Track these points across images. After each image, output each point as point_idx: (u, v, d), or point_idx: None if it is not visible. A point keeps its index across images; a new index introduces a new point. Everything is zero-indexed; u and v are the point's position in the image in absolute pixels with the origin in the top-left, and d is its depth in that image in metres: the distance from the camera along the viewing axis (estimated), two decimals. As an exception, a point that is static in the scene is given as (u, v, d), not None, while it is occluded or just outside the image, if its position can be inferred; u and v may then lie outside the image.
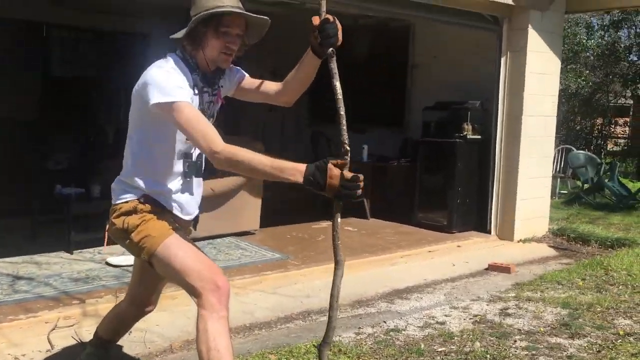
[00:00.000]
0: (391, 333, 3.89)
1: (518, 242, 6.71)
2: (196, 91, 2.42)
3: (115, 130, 8.06)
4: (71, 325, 3.74)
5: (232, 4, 2.38)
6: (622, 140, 16.49)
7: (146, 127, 2.45)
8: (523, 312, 4.36)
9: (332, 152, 2.09)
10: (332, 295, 2.18)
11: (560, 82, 7.81)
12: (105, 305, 3.86)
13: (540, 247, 6.63)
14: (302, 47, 2.48)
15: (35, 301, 4.07)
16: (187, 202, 2.60)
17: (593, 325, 4.06)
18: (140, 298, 2.88)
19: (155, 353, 3.53)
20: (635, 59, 14.82)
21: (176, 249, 2.42)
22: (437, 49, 7.64)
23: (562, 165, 10.59)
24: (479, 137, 6.79)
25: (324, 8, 2.27)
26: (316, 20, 2.32)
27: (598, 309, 4.39)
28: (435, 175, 6.94)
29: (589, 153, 11.02)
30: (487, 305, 4.54)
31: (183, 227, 2.63)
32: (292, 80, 2.63)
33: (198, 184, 2.66)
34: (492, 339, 3.81)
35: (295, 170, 2.14)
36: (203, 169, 2.61)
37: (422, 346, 3.66)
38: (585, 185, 9.92)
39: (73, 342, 3.51)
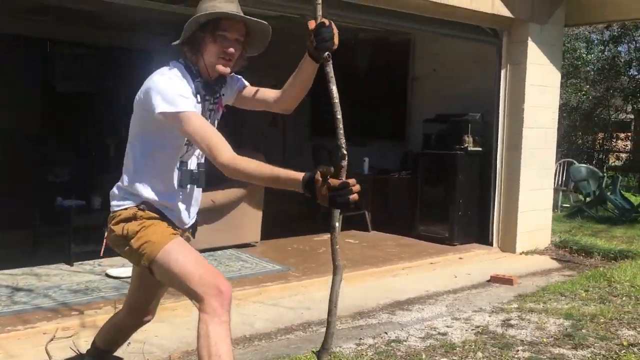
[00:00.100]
0: (392, 344, 3.85)
1: (520, 254, 6.67)
2: (198, 99, 2.42)
3: (116, 144, 8.09)
4: (69, 336, 3.70)
5: (231, 8, 2.37)
6: (624, 155, 16.46)
7: (148, 134, 2.43)
8: (526, 323, 4.32)
9: (333, 163, 2.10)
10: (330, 301, 2.15)
11: (560, 97, 7.83)
12: (104, 316, 3.82)
13: (542, 259, 6.59)
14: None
15: (33, 312, 4.06)
16: (184, 211, 2.58)
17: (597, 336, 4.02)
18: (138, 307, 2.85)
19: (153, 364, 3.50)
20: (636, 73, 14.86)
21: (176, 254, 2.39)
22: (437, 62, 7.67)
23: (564, 179, 10.57)
24: (480, 149, 6.79)
25: (319, 12, 2.26)
26: (312, 24, 2.31)
27: (601, 320, 4.35)
28: (436, 188, 6.93)
29: (591, 166, 11.00)
30: (490, 316, 4.50)
31: (182, 235, 2.61)
32: (290, 87, 2.62)
33: (197, 193, 2.64)
34: (494, 349, 3.77)
35: (295, 180, 2.14)
36: (204, 178, 2.58)
37: (424, 357, 3.62)
38: (588, 198, 9.89)
39: (71, 353, 3.46)
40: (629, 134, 16.53)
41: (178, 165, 2.50)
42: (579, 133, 15.09)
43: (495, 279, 5.58)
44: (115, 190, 2.57)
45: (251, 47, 2.52)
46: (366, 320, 4.39)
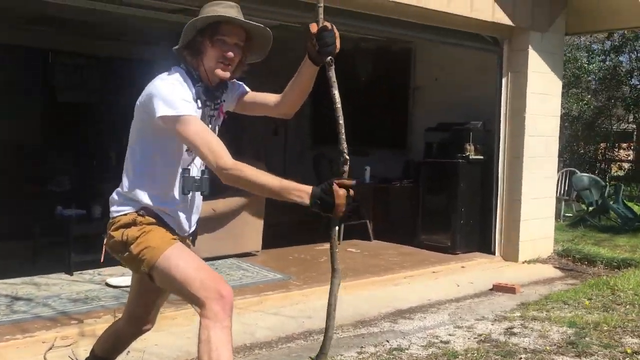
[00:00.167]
0: (394, 352, 3.82)
1: (523, 263, 6.63)
2: (199, 104, 2.40)
3: (117, 153, 8.08)
4: (68, 345, 3.68)
5: (231, 14, 2.36)
6: (626, 165, 16.42)
7: (148, 139, 2.41)
8: (529, 331, 4.28)
9: (334, 172, 2.10)
10: (329, 304, 2.13)
11: (562, 106, 7.81)
12: (103, 325, 3.78)
13: (545, 268, 6.55)
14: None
15: (32, 321, 4.03)
16: (184, 218, 2.56)
17: (600, 344, 3.98)
18: (138, 316, 2.81)
19: (153, 372, 3.47)
20: (637, 83, 14.85)
21: (177, 259, 2.36)
22: (438, 71, 7.67)
23: (566, 188, 10.53)
24: (482, 157, 6.77)
25: (321, 15, 2.27)
26: (314, 28, 2.31)
27: (605, 328, 4.31)
28: (438, 196, 6.90)
29: (593, 175, 10.97)
30: (492, 324, 4.46)
31: (182, 242, 2.59)
32: (290, 91, 2.60)
33: (198, 200, 2.62)
34: (497, 357, 3.74)
35: (302, 192, 2.14)
36: (208, 184, 2.55)
37: (426, 365, 3.59)
38: (590, 207, 9.85)
39: (70, 361, 3.45)
40: (632, 144, 16.50)
41: (180, 171, 2.48)
42: (581, 143, 15.08)
43: (498, 288, 5.55)
44: (114, 196, 2.55)
45: (252, 52, 2.50)
46: (368, 329, 4.36)
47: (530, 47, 6.50)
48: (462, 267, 6.27)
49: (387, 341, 4.04)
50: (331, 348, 2.31)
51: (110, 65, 8.55)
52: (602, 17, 6.92)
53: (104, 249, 3.54)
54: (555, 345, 3.97)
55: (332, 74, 2.24)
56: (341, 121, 2.19)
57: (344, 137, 2.19)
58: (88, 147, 8.24)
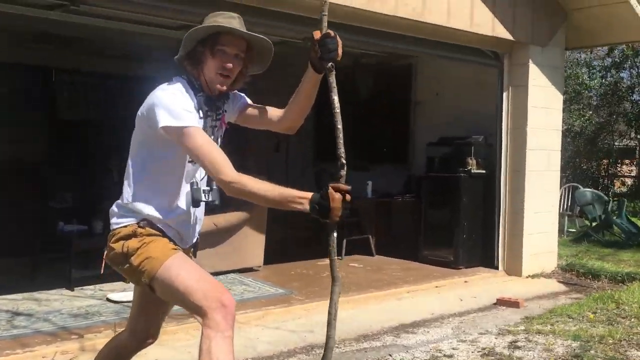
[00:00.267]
0: (397, 366, 3.78)
1: (526, 277, 6.59)
2: (201, 114, 2.38)
3: (119, 170, 8.09)
4: (68, 360, 3.66)
5: (233, 24, 2.36)
6: (629, 181, 16.38)
7: (150, 150, 2.39)
8: (533, 344, 4.24)
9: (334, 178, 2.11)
10: (329, 313, 2.11)
11: (564, 122, 7.83)
12: (103, 340, 3.74)
13: (549, 283, 6.51)
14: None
15: (33, 336, 4.01)
16: (186, 230, 2.54)
17: (605, 356, 3.94)
18: (140, 330, 2.77)
19: (153, 387, 3.43)
20: (638, 98, 14.88)
21: (178, 269, 2.33)
22: (439, 86, 7.69)
23: (569, 204, 10.50)
24: (484, 171, 6.77)
25: (325, 23, 2.29)
26: (317, 35, 2.32)
27: (610, 341, 4.27)
28: (440, 211, 6.88)
29: (596, 191, 10.94)
30: (496, 338, 4.42)
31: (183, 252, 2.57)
32: (293, 103, 2.58)
33: (200, 213, 2.60)
34: (501, 370, 3.69)
35: (303, 199, 2.15)
36: (219, 195, 2.53)
37: (429, 378, 3.55)
38: (594, 222, 9.81)
39: (69, 375, 3.42)
40: (634, 160, 16.47)
41: (190, 183, 2.46)
42: (583, 159, 15.07)
43: (502, 302, 5.51)
44: (114, 208, 2.52)
45: (253, 63, 2.49)
46: (370, 343, 4.32)
47: (530, 61, 6.53)
48: (465, 281, 6.23)
49: (390, 355, 4.00)
50: (333, 362, 2.28)
51: (113, 83, 8.59)
52: (602, 31, 6.95)
53: (103, 261, 3.53)
54: (560, 358, 3.93)
55: (333, 79, 2.26)
56: (339, 126, 2.20)
57: (341, 142, 2.20)
58: (90, 164, 8.25)
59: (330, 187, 2.12)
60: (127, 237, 2.41)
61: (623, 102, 14.76)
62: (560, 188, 9.06)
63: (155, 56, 7.72)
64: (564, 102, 7.17)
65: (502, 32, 6.18)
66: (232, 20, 2.39)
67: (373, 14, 5.15)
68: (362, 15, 5.08)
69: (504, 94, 6.64)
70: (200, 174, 2.54)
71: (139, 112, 2.40)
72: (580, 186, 10.80)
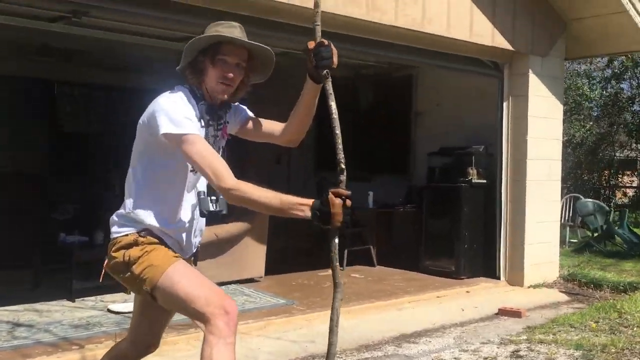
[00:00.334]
0: (398, 375, 3.77)
1: (528, 287, 6.57)
2: (202, 123, 2.39)
3: (120, 183, 8.10)
4: (69, 370, 3.65)
5: (234, 34, 2.37)
6: (630, 191, 16.36)
7: (152, 158, 2.39)
8: (535, 354, 4.23)
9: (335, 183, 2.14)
10: (331, 319, 2.11)
11: (565, 133, 7.83)
12: (104, 350, 3.68)
13: (551, 293, 6.49)
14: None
15: (33, 347, 3.99)
16: (186, 241, 2.53)
17: (608, 365, 3.93)
18: (142, 339, 2.75)
19: (154, 397, 3.41)
20: (639, 109, 14.88)
21: (180, 276, 2.33)
22: (439, 96, 7.72)
23: (570, 214, 10.49)
24: (484, 181, 6.77)
25: (318, 33, 2.32)
26: (311, 45, 2.35)
27: (612, 350, 4.25)
28: (441, 221, 6.88)
29: (597, 201, 10.93)
30: (498, 348, 4.40)
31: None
32: (294, 116, 2.58)
33: (201, 223, 2.59)
34: (503, 380, 3.68)
35: (304, 206, 2.15)
36: (226, 205, 2.52)
37: (431, 387, 3.53)
38: (595, 233, 9.79)
39: (70, 386, 3.41)
40: (635, 171, 16.45)
41: (197, 192, 2.47)
42: (585, 170, 15.06)
43: (504, 312, 5.49)
44: (115, 217, 2.51)
45: (255, 72, 2.50)
46: (372, 353, 4.30)
47: (530, 71, 6.55)
48: (467, 291, 6.21)
49: (392, 365, 3.99)
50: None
51: (114, 95, 8.63)
52: (602, 41, 6.98)
53: (103, 270, 3.54)
54: (562, 367, 3.91)
55: (329, 86, 2.28)
56: (338, 132, 2.23)
57: (340, 147, 2.22)
58: (91, 176, 8.26)
59: (330, 193, 2.13)
60: (128, 246, 2.41)
61: (623, 112, 14.78)
62: (562, 199, 9.05)
63: (157, 68, 7.76)
64: (565, 112, 7.19)
65: (502, 42, 6.21)
66: (233, 30, 2.40)
67: (372, 24, 5.18)
68: (362, 25, 5.10)
69: (504, 104, 6.66)
70: (202, 184, 2.54)
71: (140, 121, 2.40)
72: (581, 197, 10.80)
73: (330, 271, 2.20)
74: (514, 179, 6.64)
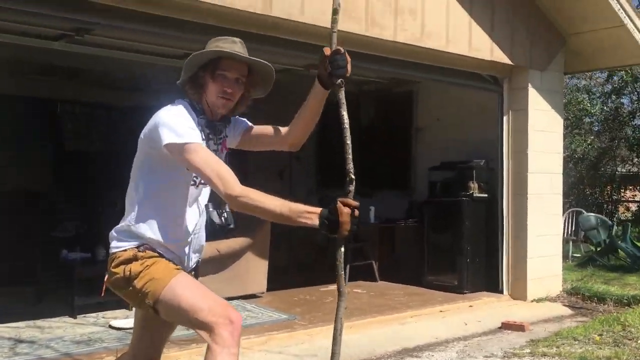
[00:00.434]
0: (401, 389, 3.74)
1: (531, 301, 6.54)
2: (203, 136, 2.39)
3: (122, 201, 8.11)
4: (70, 386, 3.63)
5: (235, 49, 2.38)
6: (633, 206, 16.31)
7: (153, 172, 2.39)
8: (539, 367, 4.20)
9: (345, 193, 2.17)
10: (335, 328, 2.11)
11: (566, 147, 7.84)
12: (106, 366, 3.76)
13: (554, 306, 6.46)
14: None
15: (35, 363, 3.98)
16: (186, 256, 2.51)
17: (612, 378, 3.90)
18: (143, 353, 2.74)
19: (156, 412, 3.38)
20: (640, 123, 14.91)
21: (182, 288, 2.31)
22: (440, 111, 7.75)
23: (573, 229, 10.46)
24: (486, 195, 6.77)
25: (334, 40, 2.34)
26: (327, 51, 2.36)
27: (617, 363, 4.23)
28: (443, 235, 6.87)
29: (600, 215, 10.90)
30: (501, 361, 4.38)
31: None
32: (298, 119, 2.59)
33: (202, 238, 2.58)
34: (507, 392, 3.65)
35: (312, 214, 2.14)
36: (233, 218, 2.53)
37: (434, 400, 3.51)
38: (598, 247, 9.76)
39: (71, 401, 3.39)
40: (637, 185, 16.40)
41: (205, 205, 2.47)
42: (587, 185, 15.04)
43: (507, 326, 5.47)
44: (114, 232, 2.49)
45: (255, 87, 2.51)
46: (374, 367, 4.28)
47: (530, 85, 6.59)
48: (470, 306, 6.18)
49: (395, 378, 3.97)
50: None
51: (116, 114, 8.67)
52: (601, 55, 7.02)
53: (104, 285, 3.53)
54: (566, 380, 3.89)
55: (342, 95, 2.30)
56: (349, 142, 2.24)
57: (350, 157, 2.22)
58: (93, 194, 8.27)
59: (338, 202, 2.12)
60: (128, 261, 2.39)
61: (624, 127, 14.80)
62: (564, 213, 9.02)
63: (159, 87, 7.82)
64: (566, 127, 7.21)
65: (501, 57, 6.25)
66: (233, 45, 2.41)
67: (372, 40, 5.22)
68: (361, 40, 5.14)
69: (504, 118, 6.69)
70: (204, 197, 2.55)
71: (141, 135, 2.40)
72: (584, 211, 10.77)
73: (332, 286, 2.21)
74: (515, 192, 6.64)
